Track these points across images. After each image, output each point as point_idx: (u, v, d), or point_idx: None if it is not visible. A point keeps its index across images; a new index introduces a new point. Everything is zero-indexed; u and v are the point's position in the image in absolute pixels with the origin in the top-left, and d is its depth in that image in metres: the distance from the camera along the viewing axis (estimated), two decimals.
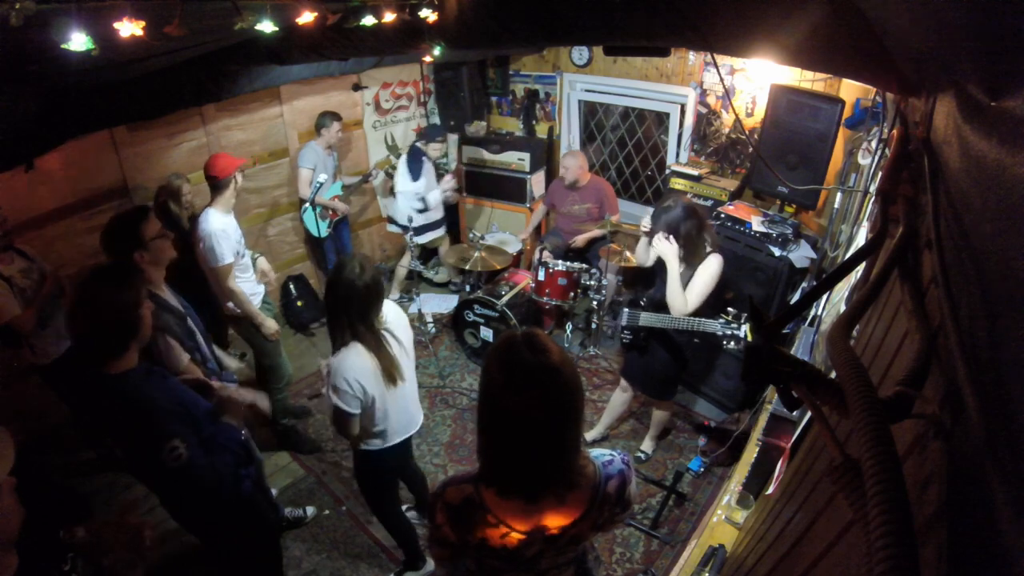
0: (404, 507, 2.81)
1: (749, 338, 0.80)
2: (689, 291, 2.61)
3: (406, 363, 2.18)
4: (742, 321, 2.54)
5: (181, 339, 2.22)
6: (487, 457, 1.17)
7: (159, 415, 1.65)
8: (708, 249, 2.62)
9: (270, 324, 3.05)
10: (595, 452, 1.28)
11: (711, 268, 2.59)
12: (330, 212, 4.37)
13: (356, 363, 1.97)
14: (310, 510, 3.08)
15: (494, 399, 1.10)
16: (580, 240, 4.21)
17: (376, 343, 2.03)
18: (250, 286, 3.06)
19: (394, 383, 2.08)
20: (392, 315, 2.16)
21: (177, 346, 2.19)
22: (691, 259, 2.62)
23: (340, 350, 2.00)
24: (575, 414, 1.11)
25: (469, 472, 1.25)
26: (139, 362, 1.73)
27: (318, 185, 3.74)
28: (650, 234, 2.72)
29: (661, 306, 2.74)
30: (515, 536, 1.18)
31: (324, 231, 4.28)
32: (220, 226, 2.77)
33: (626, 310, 2.88)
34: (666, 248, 2.61)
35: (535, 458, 1.10)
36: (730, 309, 2.60)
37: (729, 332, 2.55)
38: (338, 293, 1.96)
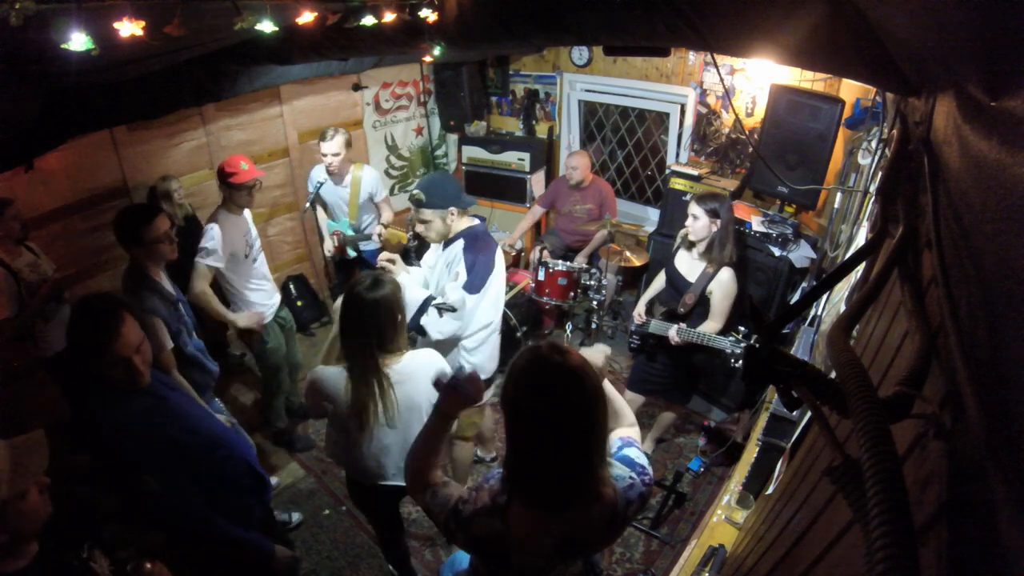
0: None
1: None
2: (713, 316, 2.70)
3: (386, 419, 1.91)
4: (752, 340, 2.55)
5: (167, 321, 2.26)
6: (514, 467, 1.18)
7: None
8: (730, 255, 2.65)
9: (240, 320, 2.90)
10: (616, 473, 1.25)
11: (725, 285, 2.66)
12: (336, 244, 3.88)
13: (329, 373, 1.90)
14: (295, 516, 3.04)
15: (520, 402, 1.13)
16: (585, 252, 4.22)
17: (368, 374, 1.83)
18: (262, 296, 3.02)
19: (358, 422, 1.87)
20: (418, 370, 1.91)
21: (163, 327, 2.23)
22: (712, 253, 2.67)
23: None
24: (598, 418, 1.12)
25: (495, 502, 1.23)
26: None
27: (318, 185, 3.68)
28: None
29: (672, 316, 2.80)
30: (538, 552, 1.20)
31: (328, 249, 3.91)
32: (220, 225, 2.74)
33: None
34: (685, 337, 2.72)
35: (560, 464, 1.11)
36: (741, 328, 2.61)
37: (739, 351, 2.57)
38: (347, 311, 1.83)
